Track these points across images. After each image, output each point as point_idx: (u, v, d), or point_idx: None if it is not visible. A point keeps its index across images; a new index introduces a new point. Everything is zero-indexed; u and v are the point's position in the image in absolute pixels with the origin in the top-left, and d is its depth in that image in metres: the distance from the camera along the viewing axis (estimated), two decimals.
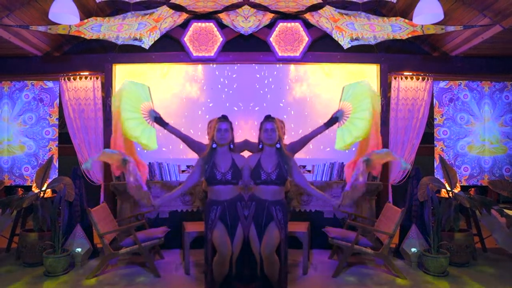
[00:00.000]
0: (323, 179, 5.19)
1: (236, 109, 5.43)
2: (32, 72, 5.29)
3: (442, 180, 4.82)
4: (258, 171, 3.32)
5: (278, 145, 3.39)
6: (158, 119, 3.61)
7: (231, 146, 3.45)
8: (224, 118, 3.45)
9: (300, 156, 3.76)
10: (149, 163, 5.16)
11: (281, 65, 5.44)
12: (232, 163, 3.35)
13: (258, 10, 4.99)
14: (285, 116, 5.30)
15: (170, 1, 4.73)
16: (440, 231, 4.27)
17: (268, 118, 3.45)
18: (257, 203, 3.33)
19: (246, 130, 5.29)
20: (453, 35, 4.98)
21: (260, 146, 3.46)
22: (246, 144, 3.74)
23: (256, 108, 5.43)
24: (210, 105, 5.45)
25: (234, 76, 5.49)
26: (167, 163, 5.18)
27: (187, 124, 5.32)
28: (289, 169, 3.39)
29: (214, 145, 3.39)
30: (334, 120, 3.63)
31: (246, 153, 3.67)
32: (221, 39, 5.20)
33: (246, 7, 4.92)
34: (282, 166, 3.34)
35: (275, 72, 5.49)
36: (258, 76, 5.49)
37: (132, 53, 5.20)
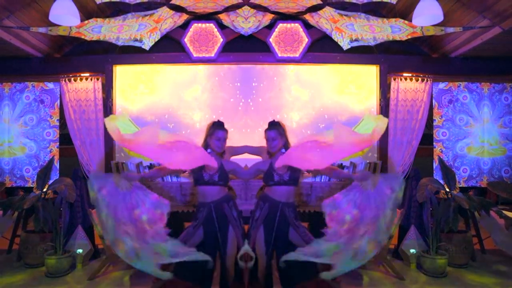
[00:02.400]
0: (322, 180, 5.19)
1: (240, 108, 5.45)
2: (32, 73, 5.31)
3: (441, 181, 4.83)
4: (271, 173, 3.31)
5: (283, 150, 3.37)
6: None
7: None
8: (221, 126, 3.40)
9: None
10: (150, 164, 5.17)
11: (280, 65, 5.44)
12: (220, 166, 3.34)
13: (258, 10, 4.99)
14: (285, 116, 5.34)
15: (171, 2, 4.74)
16: (439, 232, 4.27)
17: (270, 126, 3.41)
18: (270, 204, 3.31)
19: (245, 131, 5.32)
20: (453, 37, 4.98)
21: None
22: (245, 148, 3.80)
23: (252, 108, 5.46)
24: (210, 105, 5.46)
25: (234, 76, 5.50)
26: None
27: (186, 124, 5.35)
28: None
29: (209, 150, 3.37)
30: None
31: (246, 156, 3.73)
32: (221, 39, 5.21)
33: (246, 7, 4.93)
34: (293, 167, 3.30)
35: (275, 72, 5.49)
36: (258, 76, 5.50)
37: (132, 54, 5.21)
